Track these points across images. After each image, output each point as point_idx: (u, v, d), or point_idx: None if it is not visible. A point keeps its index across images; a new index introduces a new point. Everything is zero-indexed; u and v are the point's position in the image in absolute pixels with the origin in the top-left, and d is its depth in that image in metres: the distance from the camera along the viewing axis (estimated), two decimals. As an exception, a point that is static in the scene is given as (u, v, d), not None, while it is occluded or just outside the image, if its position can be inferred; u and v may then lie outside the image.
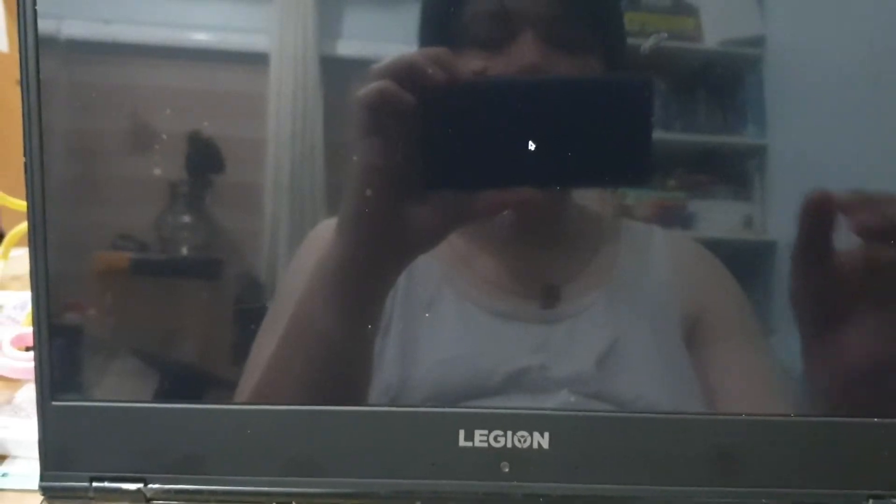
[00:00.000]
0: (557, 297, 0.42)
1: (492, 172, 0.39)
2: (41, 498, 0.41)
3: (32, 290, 0.39)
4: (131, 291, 0.42)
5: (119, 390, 0.41)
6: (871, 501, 0.41)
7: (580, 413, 0.41)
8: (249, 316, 0.41)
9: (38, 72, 0.38)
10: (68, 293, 0.41)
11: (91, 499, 0.41)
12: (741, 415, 0.41)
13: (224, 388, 0.42)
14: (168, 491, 0.41)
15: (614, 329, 0.42)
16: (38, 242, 0.39)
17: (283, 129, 0.40)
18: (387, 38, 0.40)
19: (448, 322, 0.42)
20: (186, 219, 0.40)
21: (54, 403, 0.40)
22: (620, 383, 0.42)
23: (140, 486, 0.41)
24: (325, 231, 0.40)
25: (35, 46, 0.38)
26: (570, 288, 0.42)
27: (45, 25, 0.38)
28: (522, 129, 0.38)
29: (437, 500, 0.41)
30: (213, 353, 0.43)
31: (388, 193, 0.39)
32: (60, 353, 0.40)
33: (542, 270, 0.42)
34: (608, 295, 0.42)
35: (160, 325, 0.42)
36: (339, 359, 0.42)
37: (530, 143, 0.38)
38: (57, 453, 0.41)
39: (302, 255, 0.41)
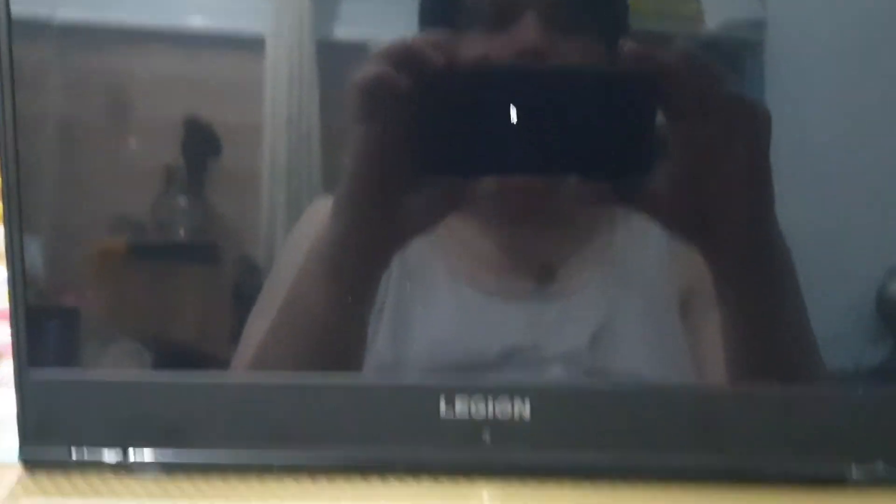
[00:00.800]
0: (553, 277, 0.41)
1: (489, 159, 0.39)
2: (21, 470, 0.41)
3: (7, 262, 0.39)
4: (119, 268, 0.41)
5: (99, 361, 0.41)
6: (854, 468, 0.41)
7: (561, 383, 0.41)
8: (243, 296, 0.41)
9: (10, 49, 0.38)
10: (56, 275, 0.41)
11: (71, 470, 0.41)
12: (726, 384, 0.41)
13: (204, 358, 0.42)
14: (149, 462, 0.41)
15: (609, 308, 0.42)
16: (12, 214, 0.39)
17: (279, 113, 0.39)
18: (384, 22, 0.39)
19: (442, 302, 0.42)
20: (183, 203, 0.40)
21: (32, 375, 0.40)
22: (613, 361, 0.42)
23: (121, 456, 0.41)
24: (321, 208, 0.40)
25: (7, 25, 0.37)
26: (565, 268, 0.42)
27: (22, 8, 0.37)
28: (521, 116, 0.38)
29: (418, 470, 0.41)
30: (200, 328, 0.42)
31: (384, 178, 0.39)
32: (38, 324, 0.40)
33: (538, 251, 0.42)
34: (604, 274, 0.42)
35: (148, 303, 0.42)
36: (331, 338, 0.42)
37: (528, 128, 0.38)
38: (36, 425, 0.41)
39: (298, 232, 0.41)
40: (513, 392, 0.40)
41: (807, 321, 0.41)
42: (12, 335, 0.40)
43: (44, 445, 0.41)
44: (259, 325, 0.41)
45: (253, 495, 0.40)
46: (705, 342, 0.42)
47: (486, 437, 0.41)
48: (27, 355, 0.40)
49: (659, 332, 0.42)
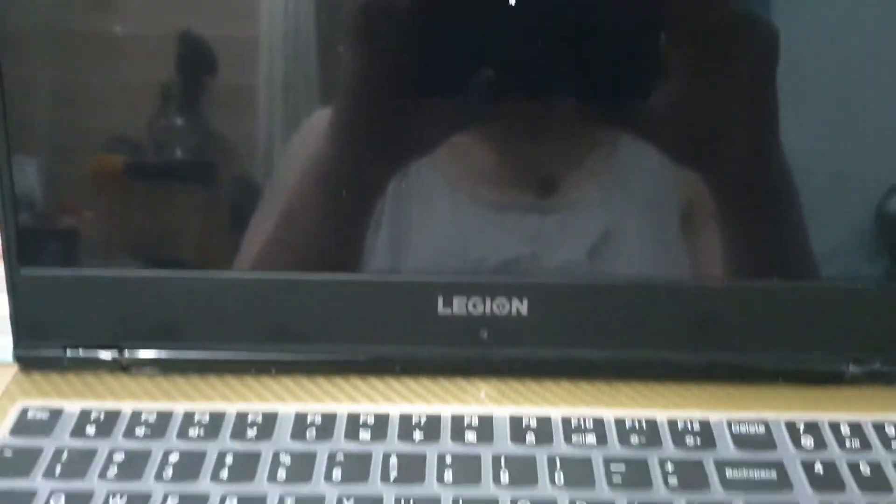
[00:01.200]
0: (553, 188, 0.41)
1: (490, 78, 0.38)
2: (17, 369, 0.41)
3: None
4: (114, 187, 0.40)
5: (92, 257, 0.40)
6: (851, 365, 0.41)
7: (559, 280, 0.41)
8: (241, 213, 0.40)
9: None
10: (49, 187, 0.40)
11: (66, 368, 0.41)
12: (723, 279, 0.41)
13: (202, 255, 0.41)
14: (145, 359, 0.41)
15: (609, 218, 0.41)
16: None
17: (275, 28, 0.38)
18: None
19: (440, 214, 0.41)
20: (179, 122, 0.39)
21: (23, 272, 0.40)
22: (612, 272, 0.41)
23: (116, 354, 0.40)
24: (320, 122, 0.39)
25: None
26: (566, 179, 0.41)
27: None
28: (524, 34, 0.37)
29: (415, 368, 0.41)
30: (198, 246, 0.42)
31: (382, 97, 0.38)
32: (28, 220, 0.39)
33: (539, 162, 0.41)
34: (605, 185, 0.41)
35: (145, 223, 0.41)
36: (327, 247, 0.41)
37: (529, 46, 0.37)
38: (29, 323, 0.40)
39: (297, 144, 0.40)
40: (510, 290, 0.40)
41: (805, 228, 0.40)
42: (2, 232, 0.39)
43: (38, 344, 0.40)
44: (258, 232, 0.41)
45: (250, 393, 0.40)
46: (706, 249, 0.41)
47: (484, 334, 0.41)
48: (17, 251, 0.39)
49: (659, 245, 0.42)
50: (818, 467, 0.36)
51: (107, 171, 0.40)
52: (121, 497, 0.34)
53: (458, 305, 0.40)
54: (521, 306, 0.40)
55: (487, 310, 0.40)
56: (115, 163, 0.40)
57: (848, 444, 0.38)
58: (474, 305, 0.40)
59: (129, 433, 0.37)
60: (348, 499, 0.35)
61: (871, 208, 0.40)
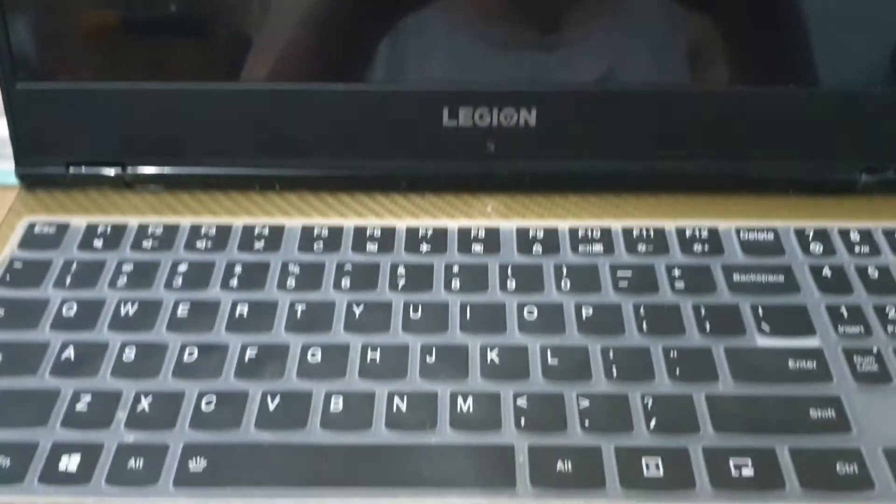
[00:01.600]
0: (556, 26, 0.39)
1: None
2: (20, 188, 0.41)
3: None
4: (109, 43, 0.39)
5: (91, 70, 0.39)
6: (864, 175, 0.40)
7: (568, 89, 0.40)
8: (238, 67, 0.39)
9: None
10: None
11: (70, 185, 0.40)
12: (734, 86, 0.39)
13: (203, 67, 0.40)
14: (148, 175, 0.40)
15: (613, 56, 0.39)
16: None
17: None
18: None
19: (440, 52, 0.40)
20: None
21: (20, 87, 0.38)
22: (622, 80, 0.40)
23: (119, 170, 0.40)
24: None
25: None
26: (569, 16, 0.39)
27: None
28: None
29: (422, 182, 0.41)
30: (198, 43, 0.40)
31: None
32: (22, 31, 0.38)
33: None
34: (609, 22, 0.39)
35: (141, 23, 0.39)
36: (331, 61, 0.40)
37: None
38: (29, 140, 0.39)
39: None
40: (518, 99, 0.39)
41: (819, 37, 0.39)
42: (-6, 46, 0.38)
43: (40, 161, 0.40)
44: (260, 47, 0.39)
45: (255, 209, 0.40)
46: (715, 70, 0.40)
47: (491, 147, 0.40)
48: (11, 64, 0.38)
49: (664, 80, 0.40)
50: (826, 271, 0.37)
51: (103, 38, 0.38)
52: (132, 305, 0.35)
53: (464, 117, 0.39)
54: (528, 117, 0.39)
55: (494, 121, 0.39)
56: (112, 30, 0.38)
57: (857, 250, 0.38)
58: (480, 116, 0.39)
59: (137, 246, 0.38)
60: (358, 305, 0.35)
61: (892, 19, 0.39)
